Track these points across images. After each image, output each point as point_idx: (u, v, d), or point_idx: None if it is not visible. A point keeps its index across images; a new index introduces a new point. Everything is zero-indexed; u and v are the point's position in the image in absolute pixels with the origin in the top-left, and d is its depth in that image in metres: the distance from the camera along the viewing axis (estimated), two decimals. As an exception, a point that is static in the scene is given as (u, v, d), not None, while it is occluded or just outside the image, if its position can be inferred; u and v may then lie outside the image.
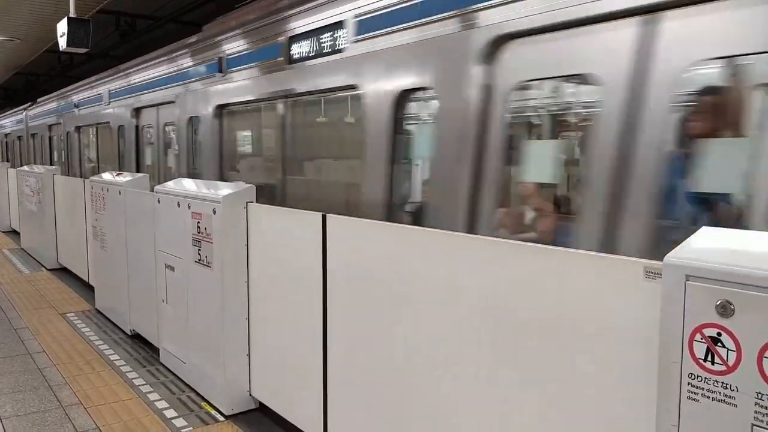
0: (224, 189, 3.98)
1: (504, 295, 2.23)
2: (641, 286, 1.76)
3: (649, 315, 1.70)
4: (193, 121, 6.38)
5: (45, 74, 18.17)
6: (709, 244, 1.64)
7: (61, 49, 7.36)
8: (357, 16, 3.85)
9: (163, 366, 4.82)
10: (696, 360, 1.50)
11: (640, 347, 1.78)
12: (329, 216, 3.15)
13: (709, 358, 1.48)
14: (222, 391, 3.98)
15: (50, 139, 13.41)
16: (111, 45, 12.09)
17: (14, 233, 12.11)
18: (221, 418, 3.93)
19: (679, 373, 1.52)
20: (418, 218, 3.58)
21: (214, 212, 3.87)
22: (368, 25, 3.74)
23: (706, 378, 1.49)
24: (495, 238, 2.38)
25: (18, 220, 11.40)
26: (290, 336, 3.56)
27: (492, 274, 2.27)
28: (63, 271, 8.53)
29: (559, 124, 3.79)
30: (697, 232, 1.72)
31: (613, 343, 1.88)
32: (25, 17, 10.73)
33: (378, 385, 2.87)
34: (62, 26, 7.22)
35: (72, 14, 7.26)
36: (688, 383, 1.51)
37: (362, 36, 3.80)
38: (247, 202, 3.86)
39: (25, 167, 10.69)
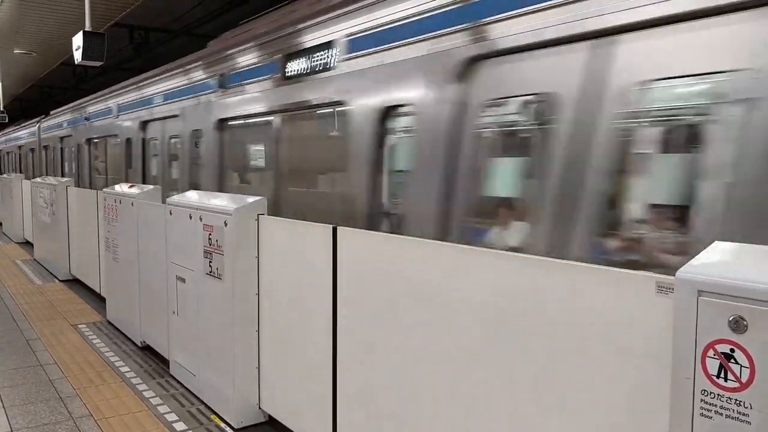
0: (236, 201, 4.00)
1: (514, 308, 2.22)
2: (653, 300, 1.75)
3: (661, 330, 1.69)
4: (195, 134, 6.58)
5: (60, 87, 18.44)
6: (721, 259, 1.62)
7: (76, 62, 7.46)
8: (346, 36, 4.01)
9: (174, 378, 4.82)
10: (709, 376, 1.48)
11: (651, 363, 1.76)
12: (340, 228, 3.16)
13: (722, 374, 1.46)
14: (231, 404, 3.98)
15: (62, 150, 13.56)
16: (125, 58, 12.25)
17: (28, 244, 12.22)
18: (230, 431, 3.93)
19: (692, 389, 1.51)
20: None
21: (226, 224, 3.89)
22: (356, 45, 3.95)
23: (719, 395, 1.47)
24: (505, 252, 2.38)
25: (31, 232, 11.51)
26: (300, 348, 3.55)
27: (502, 286, 2.26)
28: (75, 282, 8.59)
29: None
30: (709, 247, 1.71)
31: (625, 358, 1.86)
32: (42, 31, 10.92)
33: (388, 399, 2.86)
34: (78, 40, 7.32)
35: (87, 28, 7.37)
36: (701, 400, 1.50)
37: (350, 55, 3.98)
38: (258, 215, 3.87)
39: (38, 179, 10.80)
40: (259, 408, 3.98)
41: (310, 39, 4.48)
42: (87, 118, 11.19)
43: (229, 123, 5.88)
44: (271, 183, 5.35)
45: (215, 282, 4.05)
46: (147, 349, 5.56)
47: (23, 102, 22.76)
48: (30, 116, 18.01)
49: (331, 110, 4.46)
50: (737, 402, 1.44)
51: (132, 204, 5.68)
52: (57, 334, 6.05)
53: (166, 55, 9.43)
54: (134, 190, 5.85)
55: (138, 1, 8.95)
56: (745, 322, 1.42)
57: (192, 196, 4.76)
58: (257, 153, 5.85)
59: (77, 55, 7.34)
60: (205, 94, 6.16)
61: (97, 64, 7.45)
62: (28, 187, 11.73)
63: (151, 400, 4.42)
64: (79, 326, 6.37)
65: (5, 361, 5.23)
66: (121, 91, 9.33)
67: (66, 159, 13.45)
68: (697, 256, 1.64)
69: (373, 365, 2.96)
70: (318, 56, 4.35)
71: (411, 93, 3.52)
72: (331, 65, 4.21)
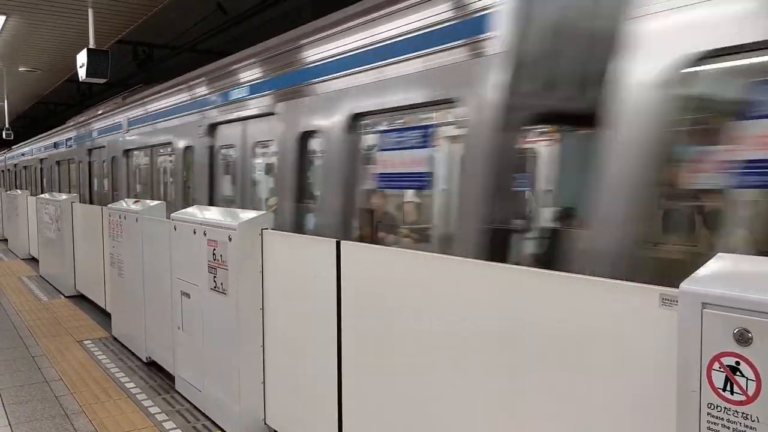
0: (240, 216, 4.01)
1: (519, 321, 2.21)
2: (657, 313, 1.75)
3: (665, 343, 1.68)
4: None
5: (64, 103, 18.57)
6: (725, 271, 1.62)
7: (80, 79, 7.53)
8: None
9: (179, 394, 4.82)
10: (715, 389, 1.48)
11: (657, 375, 1.75)
12: (343, 242, 3.17)
13: (728, 387, 1.46)
14: (237, 420, 3.97)
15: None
16: (129, 74, 12.34)
17: (33, 260, 12.26)
18: (236, 447, 3.92)
19: (698, 403, 1.50)
20: None
21: (230, 239, 3.90)
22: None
23: (725, 408, 1.46)
24: (510, 265, 2.38)
25: (37, 248, 11.55)
26: (305, 363, 3.55)
27: (507, 299, 2.26)
28: (80, 298, 8.60)
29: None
30: (713, 258, 1.71)
31: (630, 370, 1.85)
32: (46, 49, 11.02)
33: (395, 414, 2.85)
34: (82, 57, 7.40)
35: (91, 45, 7.44)
36: (708, 413, 1.49)
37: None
38: (262, 229, 3.88)
39: (46, 195, 10.84)
40: (265, 423, 3.97)
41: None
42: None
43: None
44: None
45: (220, 297, 4.06)
46: (152, 365, 5.56)
47: (27, 119, 22.94)
48: (36, 133, 17.91)
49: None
50: (744, 415, 1.43)
51: (136, 220, 5.71)
52: (62, 351, 6.05)
53: (169, 71, 9.50)
54: (138, 206, 5.87)
55: (141, 19, 9.03)
56: (750, 335, 1.42)
57: (196, 211, 4.78)
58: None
59: (81, 73, 7.42)
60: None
61: (102, 81, 7.52)
62: (33, 203, 11.78)
63: (156, 416, 4.41)
64: (85, 342, 6.38)
65: (11, 377, 5.23)
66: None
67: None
68: (700, 268, 1.64)
69: (379, 380, 2.95)
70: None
71: None
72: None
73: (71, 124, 12.04)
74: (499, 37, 2.73)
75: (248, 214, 3.98)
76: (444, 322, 2.54)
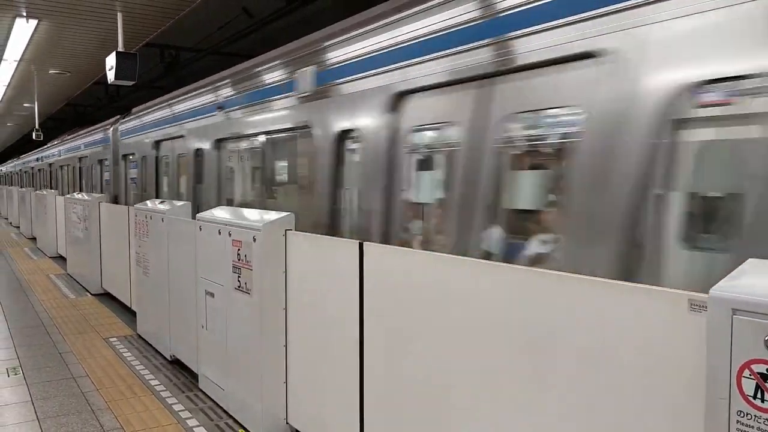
0: (264, 217, 4.05)
1: (544, 325, 2.20)
2: (685, 318, 1.72)
3: (694, 349, 1.66)
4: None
5: (92, 105, 18.89)
6: (756, 276, 1.59)
7: (109, 81, 7.65)
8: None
9: (202, 392, 4.87)
10: (745, 397, 1.45)
11: (685, 382, 1.73)
12: (366, 244, 3.18)
13: (759, 395, 1.43)
14: (259, 419, 4.00)
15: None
16: (156, 76, 12.52)
17: (61, 259, 12.50)
18: (258, 446, 3.95)
19: (728, 410, 1.48)
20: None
21: (254, 240, 3.94)
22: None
23: (756, 416, 1.44)
24: (535, 269, 2.36)
25: (64, 246, 11.77)
26: (327, 363, 3.57)
27: (532, 303, 2.25)
28: (106, 296, 8.75)
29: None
30: (743, 264, 1.68)
31: (657, 377, 1.83)
32: (76, 52, 11.23)
33: (417, 417, 2.85)
34: (111, 60, 7.52)
35: (120, 48, 7.56)
36: (738, 421, 1.47)
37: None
38: (286, 230, 3.92)
39: (74, 195, 11.03)
40: (287, 423, 4.00)
41: None
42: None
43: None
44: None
45: (244, 297, 4.10)
46: (176, 363, 5.63)
47: (57, 121, 23.39)
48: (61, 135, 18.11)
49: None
50: (775, 423, 1.41)
51: (162, 220, 5.79)
52: (89, 348, 6.16)
53: (195, 73, 9.62)
54: (165, 206, 5.95)
55: (169, 22, 9.16)
56: (781, 342, 1.39)
57: (221, 212, 4.83)
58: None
59: (110, 75, 7.54)
60: None
61: (130, 83, 7.63)
62: (61, 202, 12.00)
63: (180, 413, 4.47)
64: (111, 339, 6.48)
65: (39, 373, 5.34)
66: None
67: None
68: (730, 273, 1.62)
69: (401, 381, 2.95)
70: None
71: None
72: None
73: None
74: None
75: (272, 215, 4.02)
76: (465, 323, 2.53)
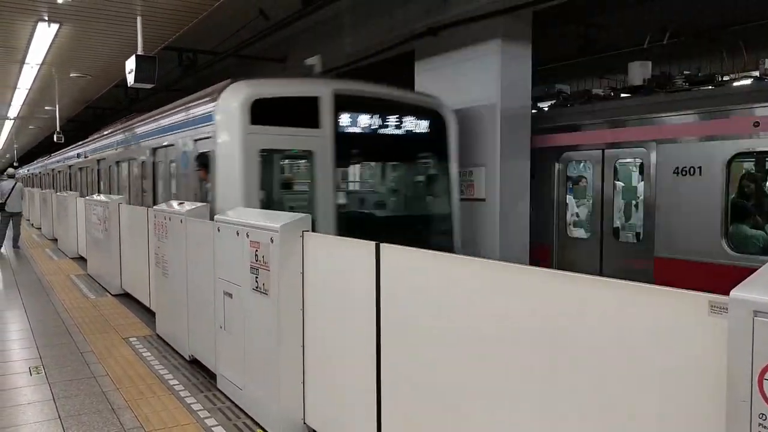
0: (281, 218, 4.08)
1: (561, 327, 2.19)
2: (706, 321, 1.71)
3: (714, 351, 1.65)
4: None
5: (111, 108, 19.15)
6: (778, 278, 1.58)
7: (129, 84, 7.77)
8: None
9: (220, 392, 4.91)
10: (766, 400, 1.44)
11: (705, 384, 1.71)
12: (383, 245, 3.19)
13: (781, 398, 1.42)
14: (276, 419, 4.03)
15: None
16: (174, 79, 12.66)
17: (81, 260, 12.67)
18: (276, 445, 3.98)
19: (749, 413, 1.46)
20: None
21: (272, 241, 3.97)
22: None
23: (778, 419, 1.42)
24: (552, 270, 2.36)
25: (85, 247, 11.93)
26: (344, 364, 3.58)
27: (549, 305, 2.24)
28: (126, 297, 8.85)
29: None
30: (765, 266, 1.66)
31: (677, 379, 1.82)
32: (96, 55, 11.40)
33: (434, 415, 2.85)
34: (130, 63, 7.63)
35: (140, 52, 7.67)
36: (759, 424, 1.45)
37: None
38: (303, 231, 3.94)
39: (95, 197, 11.18)
40: (304, 423, 4.02)
41: None
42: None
43: None
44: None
45: (261, 297, 4.13)
46: (195, 363, 5.68)
47: (77, 123, 23.71)
48: (84, 137, 18.29)
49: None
50: (798, 427, 1.39)
51: (181, 221, 5.85)
52: (109, 347, 6.24)
53: (213, 76, 9.71)
54: (183, 208, 6.02)
55: (187, 25, 9.26)
56: (804, 344, 1.38)
57: (239, 213, 4.87)
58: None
59: (130, 78, 7.65)
60: None
61: (149, 86, 7.73)
62: (82, 204, 12.17)
63: (198, 413, 4.51)
64: (130, 339, 6.56)
65: (60, 372, 5.42)
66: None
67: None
68: (752, 276, 1.60)
69: (418, 382, 2.96)
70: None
71: None
72: None
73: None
74: None
75: (289, 217, 4.05)
76: (483, 325, 2.53)
